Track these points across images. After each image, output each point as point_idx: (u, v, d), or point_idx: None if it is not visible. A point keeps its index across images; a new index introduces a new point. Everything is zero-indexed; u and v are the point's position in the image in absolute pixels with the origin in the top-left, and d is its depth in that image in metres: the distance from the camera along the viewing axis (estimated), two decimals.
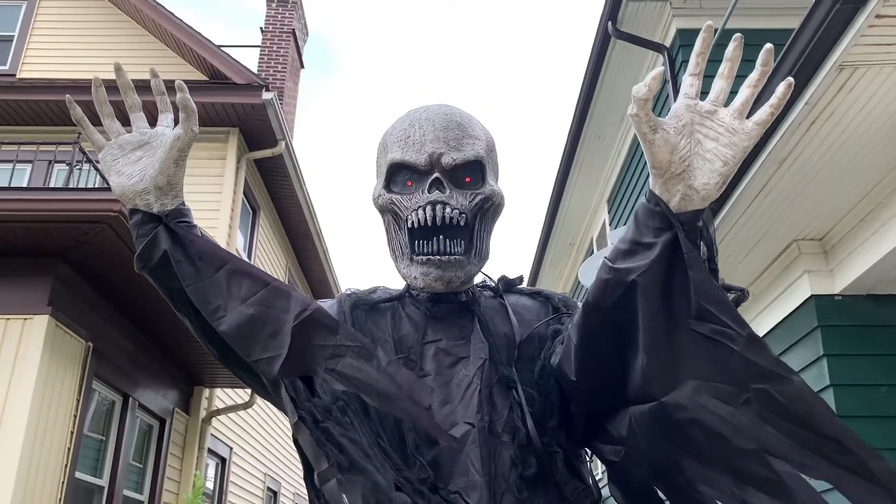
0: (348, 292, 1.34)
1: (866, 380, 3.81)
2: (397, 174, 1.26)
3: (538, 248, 10.18)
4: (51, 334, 4.78)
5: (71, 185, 5.91)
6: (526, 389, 1.18)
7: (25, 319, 4.76)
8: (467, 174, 1.24)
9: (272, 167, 9.49)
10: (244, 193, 8.93)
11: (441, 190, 1.21)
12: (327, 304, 1.31)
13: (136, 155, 1.12)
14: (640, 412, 1.01)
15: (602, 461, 1.16)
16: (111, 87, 1.13)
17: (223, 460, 8.58)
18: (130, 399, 6.06)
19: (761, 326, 4.46)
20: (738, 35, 0.93)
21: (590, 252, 9.06)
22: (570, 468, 1.17)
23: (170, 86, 1.14)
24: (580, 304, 1.10)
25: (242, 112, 8.33)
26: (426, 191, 1.21)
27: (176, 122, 1.17)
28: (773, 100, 0.91)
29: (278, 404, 1.18)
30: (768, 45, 0.91)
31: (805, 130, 3.16)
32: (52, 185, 7.30)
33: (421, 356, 1.22)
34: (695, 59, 0.94)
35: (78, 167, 6.10)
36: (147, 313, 5.61)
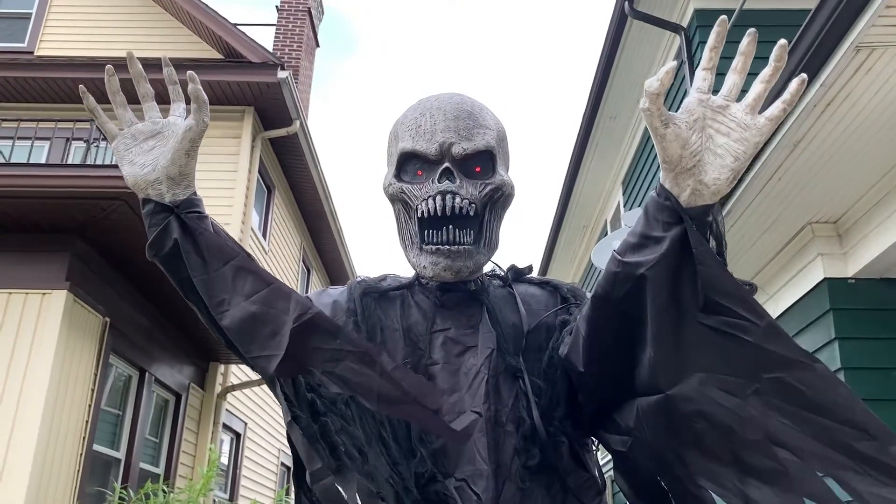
0: (358, 279, 1.35)
1: (878, 363, 3.80)
2: (408, 163, 1.26)
3: (551, 231, 10.17)
4: (68, 309, 4.86)
5: (88, 162, 5.97)
6: (533, 379, 1.19)
7: (44, 294, 4.84)
8: (477, 164, 1.25)
9: (287, 146, 9.51)
10: (259, 172, 8.97)
11: (451, 180, 1.21)
12: (337, 292, 1.32)
13: (149, 144, 1.12)
14: (646, 404, 1.02)
15: (609, 451, 1.16)
16: (125, 78, 1.13)
17: (238, 435, 8.70)
18: (147, 374, 6.15)
19: (774, 309, 4.46)
20: (752, 30, 0.92)
21: (603, 234, 9.04)
22: (576, 458, 1.18)
23: (182, 77, 1.14)
24: (589, 295, 1.11)
25: (258, 91, 8.34)
26: (436, 180, 1.22)
27: (188, 112, 1.17)
28: (786, 95, 0.91)
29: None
30: (782, 41, 0.90)
31: (820, 112, 3.14)
32: (69, 162, 7.37)
33: (429, 345, 1.23)
34: (708, 54, 0.93)
35: (95, 144, 6.15)
36: (163, 290, 5.67)
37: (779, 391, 0.88)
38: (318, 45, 12.00)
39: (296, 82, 9.30)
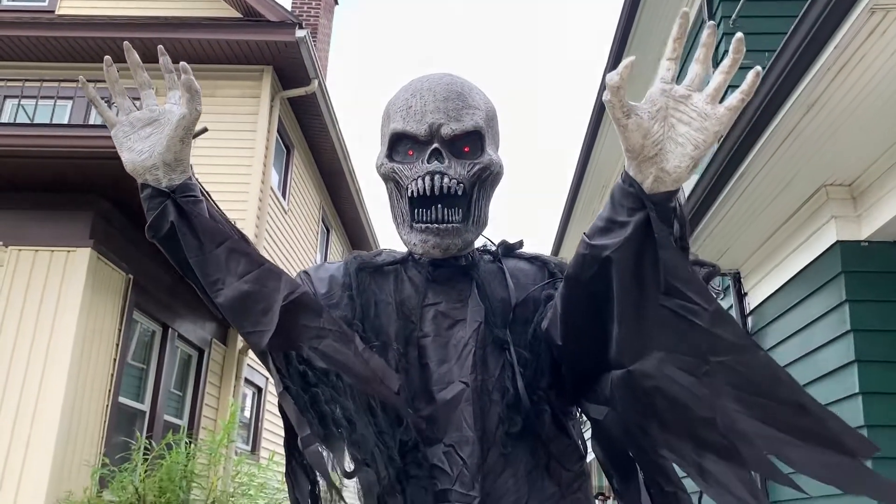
0: (353, 255, 1.40)
1: (888, 325, 3.81)
2: (399, 143, 1.30)
3: (570, 191, 10.16)
4: (93, 266, 5.00)
5: None
6: (519, 351, 1.25)
7: (69, 252, 4.98)
8: (466, 144, 1.28)
9: (305, 106, 9.54)
10: (278, 132, 9.01)
11: (440, 160, 1.25)
12: (334, 266, 1.38)
13: (146, 131, 1.17)
14: (615, 377, 1.07)
15: (588, 419, 1.23)
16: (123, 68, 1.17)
17: (259, 390, 8.93)
18: (170, 330, 6.32)
19: (786, 272, 4.47)
20: (710, 23, 0.96)
21: None
22: (559, 425, 1.25)
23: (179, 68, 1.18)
24: (582, 235, 1.15)
25: (276, 50, 8.35)
26: (426, 161, 1.26)
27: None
28: (744, 86, 0.94)
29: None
30: (738, 35, 0.93)
31: (834, 75, 3.11)
32: (91, 121, 7.47)
33: (421, 318, 1.29)
34: (671, 44, 0.96)
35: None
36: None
37: (725, 374, 0.94)
38: (336, 3, 11.92)
39: (314, 41, 9.29)
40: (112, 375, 5.32)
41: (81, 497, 4.37)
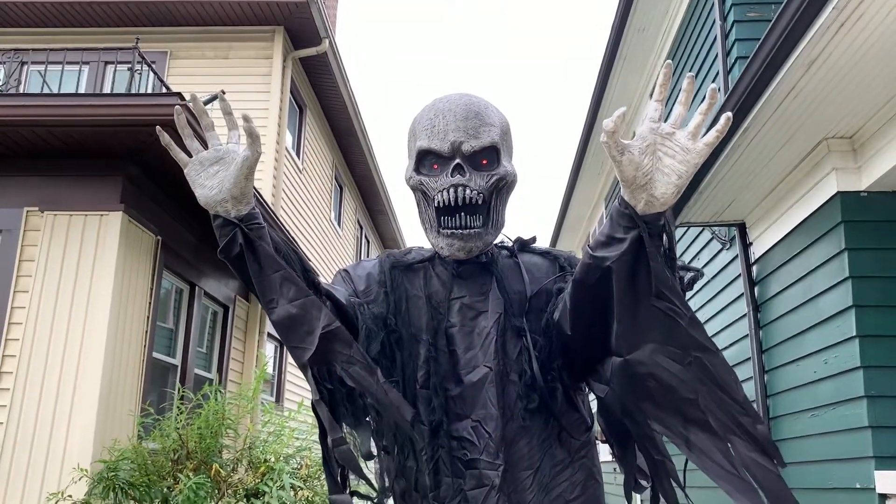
0: (387, 254, 1.60)
1: (885, 272, 3.99)
2: (425, 158, 1.49)
3: (580, 145, 10.26)
4: (124, 229, 5.24)
5: (133, 90, 6.22)
6: (534, 337, 1.45)
7: (102, 216, 5.21)
8: (484, 157, 1.47)
9: (317, 65, 9.64)
10: (291, 92, 9.14)
11: (462, 174, 1.44)
12: (371, 264, 1.59)
13: (214, 169, 1.31)
14: (614, 364, 1.27)
15: (594, 395, 1.44)
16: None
17: (281, 344, 9.24)
18: (196, 288, 6.59)
19: (788, 223, 4.64)
20: (689, 74, 1.16)
21: None
22: (569, 401, 1.47)
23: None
24: (585, 246, 1.36)
25: (287, 10, 8.44)
26: (449, 174, 1.44)
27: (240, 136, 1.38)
28: (719, 126, 1.15)
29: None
30: (713, 86, 1.14)
31: (833, 34, 3.24)
32: (115, 86, 7.63)
33: (448, 310, 1.49)
34: (658, 90, 1.16)
35: (137, 71, 6.38)
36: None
37: (699, 367, 1.18)
38: None
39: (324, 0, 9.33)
40: (146, 332, 5.60)
41: (127, 444, 4.68)
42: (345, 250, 13.04)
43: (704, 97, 1.16)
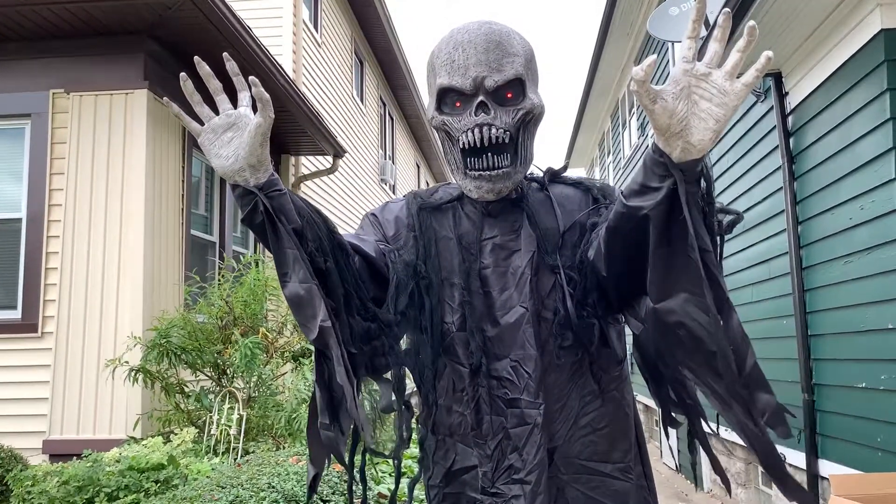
0: (414, 194, 1.55)
1: None
2: (446, 97, 1.42)
3: (607, 3, 9.85)
4: (151, 107, 5.24)
5: None
6: (568, 273, 1.42)
7: (127, 94, 5.21)
8: (508, 90, 1.40)
9: None
10: None
11: (486, 112, 1.37)
12: (398, 207, 1.55)
13: (227, 136, 1.27)
14: (648, 308, 1.24)
15: (629, 329, 1.43)
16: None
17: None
18: None
19: (827, 68, 4.48)
20: (726, 10, 1.05)
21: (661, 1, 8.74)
22: (603, 337, 1.43)
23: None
24: (617, 192, 1.32)
25: None
26: (473, 113, 1.38)
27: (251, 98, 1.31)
28: (758, 64, 1.05)
29: None
30: (751, 23, 1.02)
31: None
32: None
33: (480, 251, 1.46)
34: (691, 25, 1.06)
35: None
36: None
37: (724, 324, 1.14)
38: None
39: None
40: (182, 210, 5.71)
41: (175, 314, 4.88)
42: (369, 127, 12.92)
43: (743, 33, 1.05)
